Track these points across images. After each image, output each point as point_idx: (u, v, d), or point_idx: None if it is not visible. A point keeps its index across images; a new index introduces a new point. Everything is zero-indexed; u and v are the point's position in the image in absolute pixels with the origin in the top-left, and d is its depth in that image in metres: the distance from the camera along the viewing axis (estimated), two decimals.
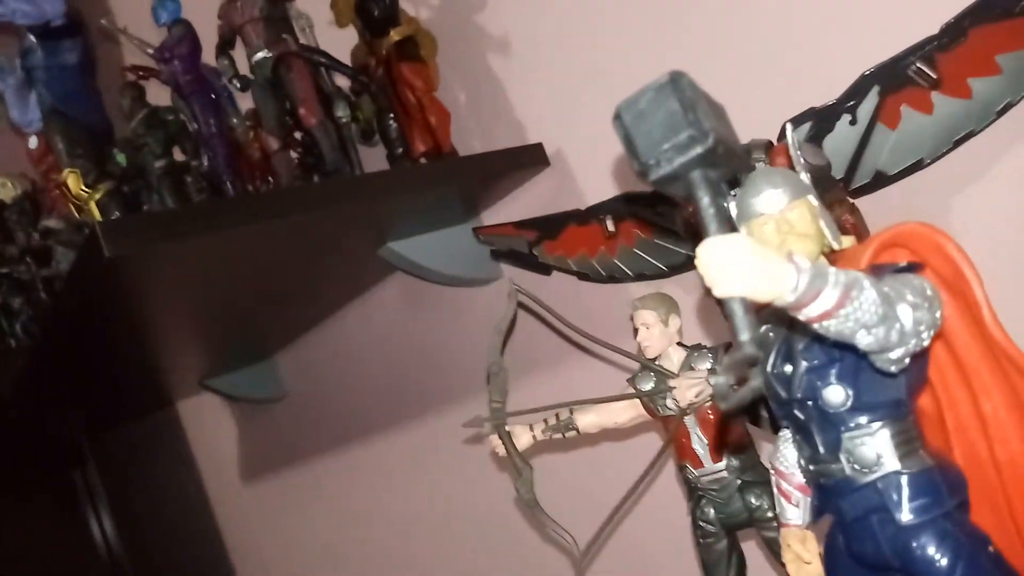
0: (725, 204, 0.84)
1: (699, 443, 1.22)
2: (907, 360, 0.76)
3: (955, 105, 1.24)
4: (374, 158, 1.94)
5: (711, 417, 1.21)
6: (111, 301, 1.57)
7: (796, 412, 0.86)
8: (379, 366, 2.43)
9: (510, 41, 1.84)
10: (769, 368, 0.87)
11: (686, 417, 1.21)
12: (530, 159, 1.79)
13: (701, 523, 1.24)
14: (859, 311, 0.69)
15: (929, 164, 1.29)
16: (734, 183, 1.23)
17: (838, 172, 1.32)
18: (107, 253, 1.27)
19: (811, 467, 0.87)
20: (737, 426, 1.22)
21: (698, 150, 0.65)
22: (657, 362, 1.24)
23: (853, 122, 1.29)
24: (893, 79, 1.25)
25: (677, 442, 1.24)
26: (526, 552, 2.03)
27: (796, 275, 0.66)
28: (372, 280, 2.27)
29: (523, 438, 1.28)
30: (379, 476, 2.55)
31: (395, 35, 1.76)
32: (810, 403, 0.85)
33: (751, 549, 1.31)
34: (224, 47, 1.71)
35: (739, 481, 1.21)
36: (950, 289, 0.86)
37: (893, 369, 0.76)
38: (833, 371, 0.83)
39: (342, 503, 2.72)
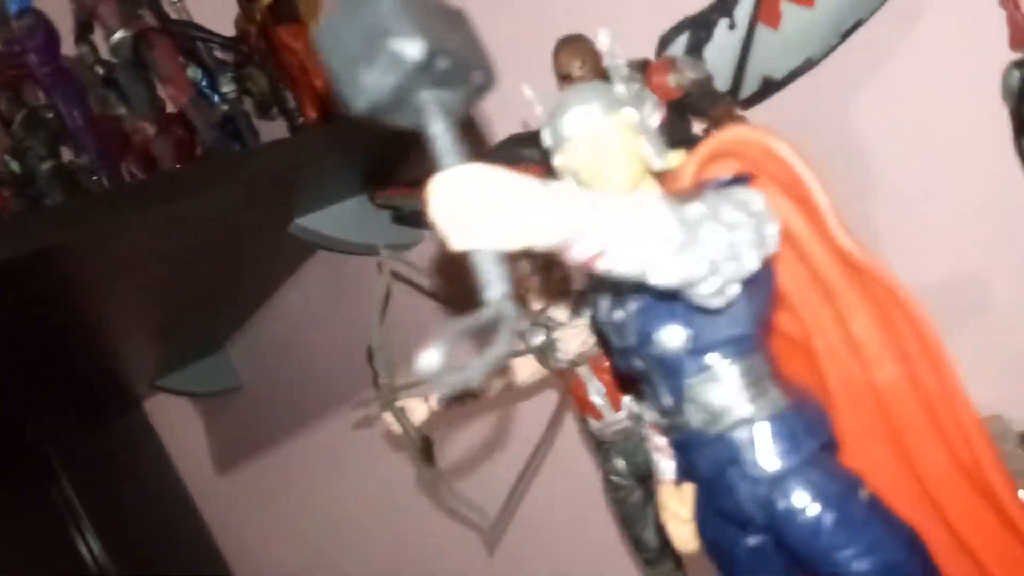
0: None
1: (597, 393, 1.13)
2: (732, 291, 0.65)
3: None
4: (279, 131, 1.84)
5: (607, 365, 1.12)
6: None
7: (635, 361, 0.76)
8: (323, 345, 2.37)
9: None
10: (602, 315, 0.78)
11: (579, 368, 1.12)
12: None
13: (612, 477, 1.16)
14: (644, 242, 0.57)
15: (819, 62, 1.19)
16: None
17: (724, 83, 1.21)
18: None
19: (662, 421, 0.78)
20: None
21: (406, 66, 0.52)
22: (546, 312, 1.15)
23: (732, 26, 1.18)
24: None
25: (575, 395, 1.15)
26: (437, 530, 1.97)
27: (556, 211, 0.53)
28: (298, 259, 2.19)
29: (419, 411, 1.20)
30: (342, 454, 2.50)
31: None
32: (647, 349, 0.74)
33: None
34: (82, 31, 1.60)
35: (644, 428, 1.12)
36: (793, 196, 0.75)
37: (715, 304, 0.65)
38: (666, 310, 0.71)
39: (315, 483, 2.69)
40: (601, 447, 1.16)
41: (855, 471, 0.74)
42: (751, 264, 0.65)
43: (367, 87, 0.53)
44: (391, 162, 1.78)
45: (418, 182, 1.64)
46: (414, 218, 1.67)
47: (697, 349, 0.72)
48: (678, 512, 0.85)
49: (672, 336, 0.72)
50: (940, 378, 0.75)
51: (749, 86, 1.21)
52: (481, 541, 1.94)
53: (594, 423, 1.15)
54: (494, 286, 0.52)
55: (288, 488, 2.84)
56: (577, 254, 0.56)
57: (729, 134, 0.76)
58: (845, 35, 1.15)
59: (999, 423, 1.30)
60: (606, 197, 0.57)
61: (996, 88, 1.06)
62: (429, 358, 0.47)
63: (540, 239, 0.54)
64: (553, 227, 0.53)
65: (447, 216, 0.51)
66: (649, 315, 0.73)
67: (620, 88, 0.77)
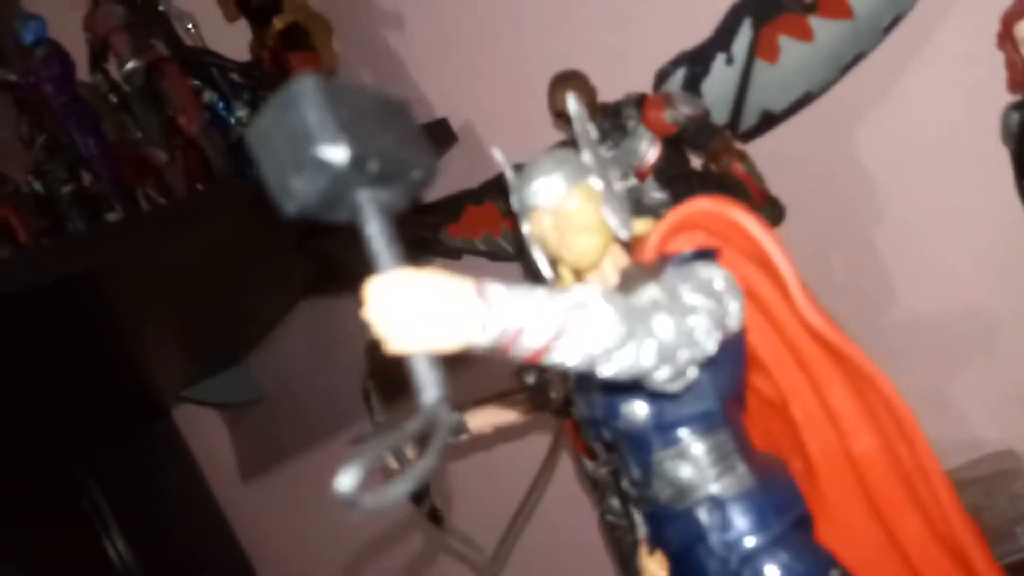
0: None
1: None
2: (690, 374, 0.64)
3: (837, 28, 1.12)
4: None
5: None
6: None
7: (603, 432, 0.76)
8: (339, 358, 2.39)
9: (405, 15, 1.74)
10: (571, 385, 0.77)
11: (573, 408, 1.12)
12: (435, 136, 1.69)
13: (607, 517, 1.16)
14: (589, 336, 0.55)
15: (819, 96, 1.17)
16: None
17: (722, 117, 1.21)
18: None
19: (633, 492, 0.77)
20: None
21: (332, 172, 0.51)
22: None
23: (730, 61, 1.17)
24: (766, 7, 1.13)
25: (569, 436, 1.15)
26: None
27: (485, 312, 0.52)
28: (315, 276, 2.21)
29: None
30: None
31: (278, 23, 1.67)
32: (613, 422, 0.74)
33: None
34: (96, 60, 1.63)
35: None
36: (761, 267, 0.74)
37: (674, 388, 0.64)
38: (631, 385, 0.67)
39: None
40: (597, 487, 1.16)
41: (828, 549, 0.73)
42: (708, 348, 0.64)
43: (296, 192, 0.52)
44: None
45: (421, 209, 1.65)
46: (419, 243, 1.68)
47: (662, 424, 0.72)
48: (657, 574, 0.84)
49: (636, 411, 0.71)
50: (912, 451, 0.74)
51: (748, 119, 1.20)
52: None
53: (588, 464, 1.14)
54: (429, 390, 0.50)
55: (310, 494, 2.87)
56: (518, 352, 0.55)
57: (693, 206, 0.75)
58: (845, 69, 1.14)
59: (1012, 458, 1.28)
60: (543, 294, 0.55)
61: (997, 123, 1.04)
62: (342, 481, 0.45)
63: (472, 340, 0.52)
64: (484, 329, 0.52)
65: (382, 320, 0.50)
66: (615, 389, 0.71)
67: (587, 156, 0.76)
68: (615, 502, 1.15)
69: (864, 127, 1.19)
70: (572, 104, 0.77)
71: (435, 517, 1.19)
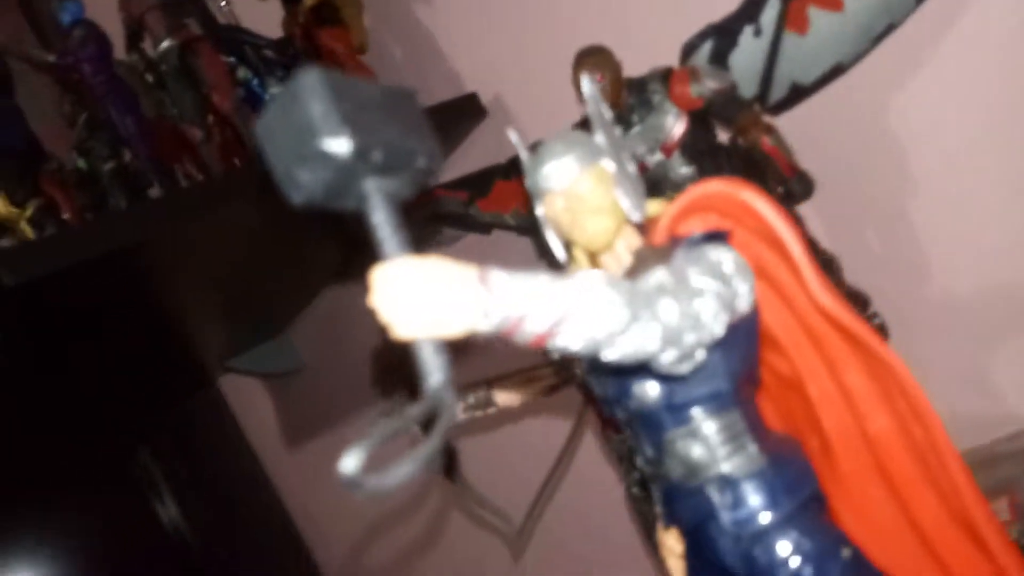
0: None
1: None
2: (698, 356, 0.64)
3: None
4: None
5: None
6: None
7: (616, 411, 0.77)
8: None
9: None
10: (584, 365, 0.78)
11: None
12: (465, 110, 1.69)
13: (633, 490, 1.17)
14: (592, 322, 0.56)
15: (850, 67, 1.14)
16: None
17: (750, 90, 1.19)
18: (7, 282, 1.27)
19: (648, 469, 0.78)
20: None
21: (336, 163, 0.52)
22: None
23: (758, 33, 1.15)
24: None
25: (595, 409, 1.16)
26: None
27: (487, 298, 0.53)
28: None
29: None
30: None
31: (308, 0, 1.68)
32: (625, 402, 0.75)
33: None
34: (133, 40, 1.65)
35: None
36: (774, 247, 0.74)
37: (682, 370, 0.65)
38: (642, 366, 0.68)
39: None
40: (622, 460, 1.17)
41: (843, 526, 0.74)
42: (716, 330, 0.64)
43: (302, 183, 0.54)
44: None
45: (451, 185, 1.66)
46: (449, 219, 1.69)
47: (673, 404, 0.72)
48: (674, 548, 0.85)
49: (647, 391, 0.72)
50: (926, 430, 0.74)
51: (777, 92, 1.18)
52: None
53: (614, 436, 1.15)
54: (434, 374, 0.52)
55: None
56: (521, 337, 0.56)
57: (704, 188, 0.75)
58: (877, 39, 1.11)
59: None
60: (546, 280, 0.56)
61: None
62: (346, 464, 0.47)
63: (475, 326, 0.54)
64: (486, 315, 0.53)
65: (387, 307, 0.52)
66: (626, 369, 0.71)
67: (599, 138, 0.76)
68: (640, 475, 1.16)
69: (897, 99, 1.16)
70: (586, 86, 0.77)
71: (468, 490, 1.21)
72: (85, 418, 2.84)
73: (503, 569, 1.90)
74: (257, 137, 0.55)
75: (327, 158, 0.52)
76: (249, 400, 3.33)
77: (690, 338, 0.62)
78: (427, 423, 0.52)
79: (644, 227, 0.77)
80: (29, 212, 1.60)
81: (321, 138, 0.52)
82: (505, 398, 1.22)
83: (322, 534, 3.42)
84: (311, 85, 0.52)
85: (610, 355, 0.59)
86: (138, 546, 3.22)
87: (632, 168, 0.76)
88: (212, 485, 3.38)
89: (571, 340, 0.56)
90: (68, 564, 3.00)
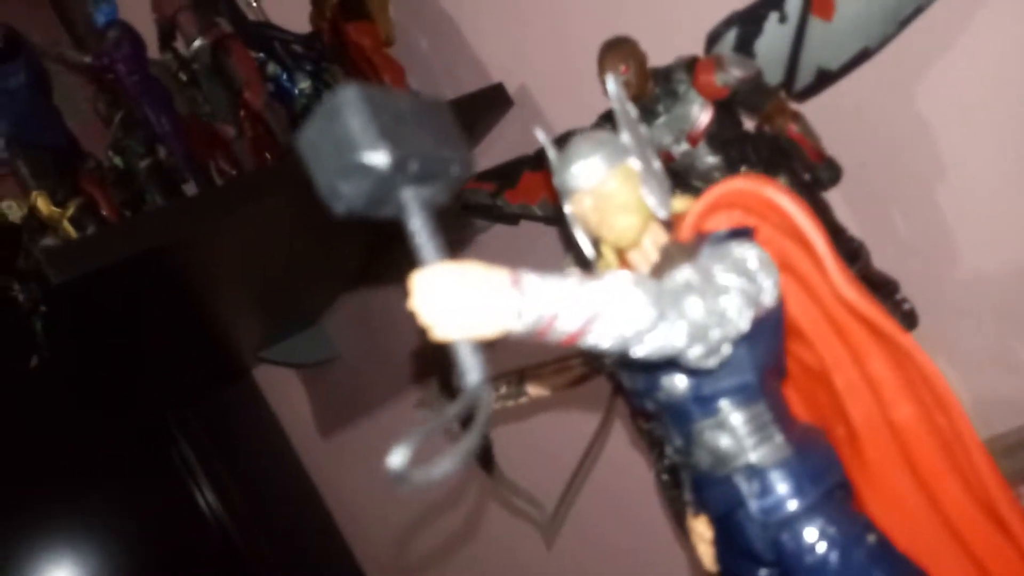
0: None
1: None
2: (724, 351, 0.66)
3: None
4: None
5: None
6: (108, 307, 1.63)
7: (646, 403, 0.79)
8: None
9: None
10: (614, 358, 0.80)
11: None
12: (491, 101, 1.71)
13: (664, 477, 1.18)
14: (621, 320, 0.58)
15: (877, 52, 1.14)
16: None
17: (775, 77, 1.19)
18: (53, 280, 1.31)
19: (677, 459, 0.80)
20: None
21: (376, 175, 0.55)
22: None
23: (783, 19, 1.15)
24: None
25: (624, 398, 1.17)
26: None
27: (520, 300, 0.56)
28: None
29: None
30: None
31: None
32: (654, 394, 0.77)
33: None
34: (165, 40, 1.68)
35: None
36: (798, 242, 0.75)
37: (709, 364, 0.66)
38: (670, 360, 0.70)
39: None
40: (653, 446, 1.18)
41: (865, 514, 0.75)
42: (741, 326, 0.66)
43: (344, 195, 0.57)
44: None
45: (479, 176, 1.68)
46: (478, 209, 1.70)
47: (701, 397, 0.74)
48: (704, 534, 0.87)
49: (676, 384, 0.74)
50: (949, 419, 0.75)
51: (803, 78, 1.18)
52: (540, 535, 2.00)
53: (644, 423, 1.16)
54: (472, 373, 0.55)
55: (384, 448, 2.96)
56: (554, 336, 0.58)
57: (728, 186, 0.77)
58: (903, 23, 1.11)
59: None
60: (575, 281, 0.58)
61: None
62: (394, 460, 0.50)
63: (510, 327, 0.56)
64: (519, 316, 0.56)
65: (427, 311, 0.55)
66: (655, 362, 0.74)
67: (625, 136, 0.77)
68: (669, 461, 1.17)
69: (924, 83, 1.16)
70: (611, 85, 0.78)
71: (502, 479, 1.23)
72: (125, 410, 2.90)
73: (537, 556, 1.92)
74: (299, 150, 0.58)
75: (367, 170, 0.55)
76: (283, 390, 3.38)
77: (716, 334, 0.64)
78: (466, 420, 0.55)
79: (671, 223, 0.78)
80: (71, 211, 1.64)
81: (361, 152, 0.55)
82: (536, 388, 1.24)
83: (356, 521, 3.47)
84: (349, 101, 0.56)
85: (639, 352, 0.61)
86: (177, 534, 3.29)
87: (658, 165, 0.77)
88: (249, 474, 3.44)
89: (601, 338, 0.59)
90: (108, 552, 3.08)
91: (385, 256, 2.38)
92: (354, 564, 3.36)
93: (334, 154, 0.56)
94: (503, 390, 1.25)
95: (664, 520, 1.23)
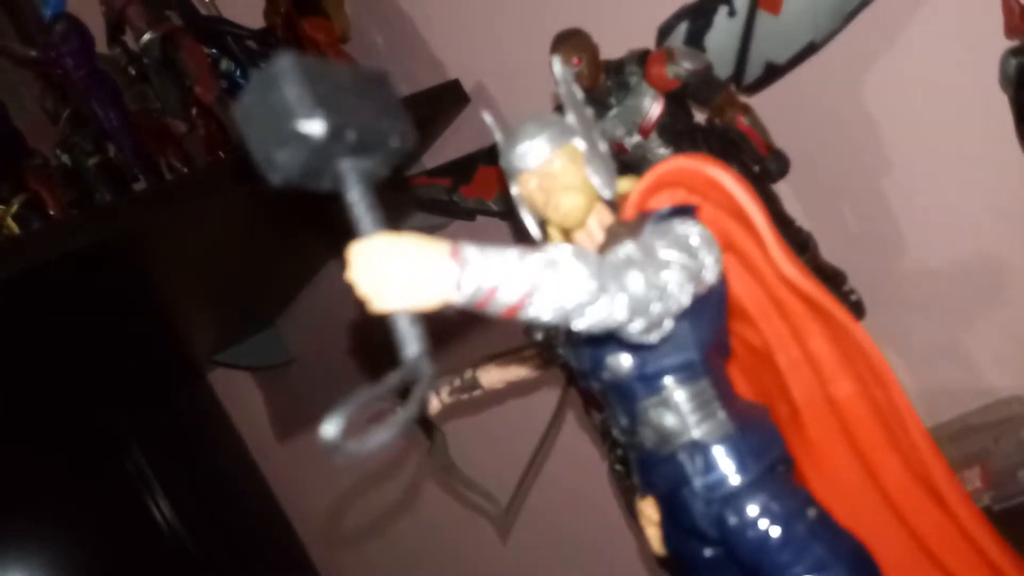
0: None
1: None
2: (666, 326, 0.66)
3: None
4: None
5: None
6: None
7: (592, 383, 0.79)
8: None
9: None
10: (560, 339, 0.80)
11: None
12: (448, 97, 1.70)
13: (616, 467, 1.19)
14: (561, 293, 0.58)
15: (823, 46, 1.16)
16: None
17: (725, 70, 1.21)
18: None
19: (623, 439, 0.80)
20: None
21: (312, 144, 0.54)
22: None
23: (732, 13, 1.17)
24: None
25: (577, 387, 1.17)
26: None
27: (459, 272, 0.55)
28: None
29: (431, 404, 1.24)
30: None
31: None
32: (599, 373, 0.77)
33: None
34: (114, 34, 1.65)
35: None
36: (739, 221, 0.76)
37: (650, 339, 0.66)
38: (613, 338, 0.70)
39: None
40: (605, 437, 1.19)
41: (806, 489, 0.76)
42: (682, 300, 0.66)
43: (280, 165, 0.55)
44: (422, 147, 1.80)
45: (433, 172, 1.67)
46: (434, 205, 1.70)
47: (645, 375, 0.75)
48: (651, 516, 0.87)
49: (621, 362, 0.74)
50: (887, 395, 0.77)
51: (752, 72, 1.20)
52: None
53: (597, 415, 1.17)
54: (410, 345, 0.54)
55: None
56: (493, 308, 0.58)
57: (670, 164, 0.78)
58: (849, 17, 1.13)
59: (1020, 404, 1.28)
60: (515, 254, 0.58)
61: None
62: (327, 429, 0.49)
63: (448, 298, 0.56)
64: (458, 287, 0.55)
65: (364, 283, 0.54)
66: (600, 342, 0.74)
67: (571, 117, 0.78)
68: (621, 452, 1.18)
69: (869, 76, 1.18)
70: (557, 67, 0.79)
71: (455, 473, 1.23)
72: (73, 416, 2.83)
73: (493, 553, 1.92)
74: (235, 120, 0.57)
75: (302, 139, 0.54)
76: (238, 394, 3.33)
77: (657, 308, 0.64)
78: (404, 392, 0.55)
79: (615, 205, 0.79)
80: (15, 208, 1.61)
81: (296, 120, 0.54)
82: (490, 380, 1.23)
83: (314, 527, 3.43)
84: (285, 69, 0.55)
85: (580, 325, 0.61)
86: (131, 542, 3.22)
87: (603, 147, 0.78)
88: (203, 479, 3.38)
89: (541, 311, 0.58)
90: (63, 564, 3.00)
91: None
92: (312, 569, 3.33)
93: (269, 122, 0.55)
94: (456, 382, 1.25)
95: (617, 511, 1.23)
